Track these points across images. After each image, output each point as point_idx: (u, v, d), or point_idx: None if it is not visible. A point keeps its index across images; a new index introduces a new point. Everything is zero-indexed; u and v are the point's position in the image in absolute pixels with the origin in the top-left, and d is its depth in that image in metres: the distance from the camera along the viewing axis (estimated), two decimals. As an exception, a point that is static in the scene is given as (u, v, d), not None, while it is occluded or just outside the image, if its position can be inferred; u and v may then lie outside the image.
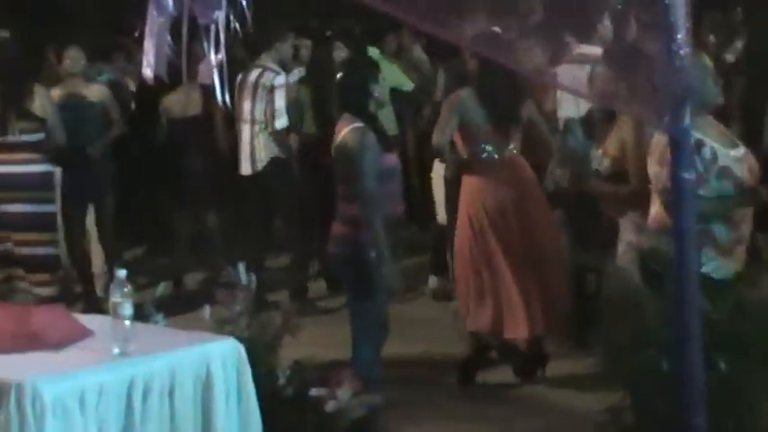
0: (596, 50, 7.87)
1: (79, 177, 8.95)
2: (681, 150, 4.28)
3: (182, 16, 5.29)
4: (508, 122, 7.22)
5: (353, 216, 6.18)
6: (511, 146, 7.24)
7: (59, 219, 8.76)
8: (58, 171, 8.75)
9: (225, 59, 5.27)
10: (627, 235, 6.40)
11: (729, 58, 10.75)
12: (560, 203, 7.49)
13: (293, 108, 9.37)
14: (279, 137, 9.19)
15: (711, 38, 10.89)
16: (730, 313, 4.81)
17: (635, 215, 6.24)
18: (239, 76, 9.12)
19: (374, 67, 6.76)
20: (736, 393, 4.73)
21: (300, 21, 10.78)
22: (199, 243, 9.89)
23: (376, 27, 10.37)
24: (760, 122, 9.98)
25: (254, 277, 5.64)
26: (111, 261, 8.96)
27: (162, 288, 7.25)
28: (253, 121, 9.18)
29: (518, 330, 7.19)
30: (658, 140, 5.30)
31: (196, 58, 7.59)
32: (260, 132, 9.16)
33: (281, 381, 5.38)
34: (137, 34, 5.71)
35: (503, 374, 7.41)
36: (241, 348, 4.73)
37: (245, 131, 9.23)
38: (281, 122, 9.15)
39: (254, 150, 9.19)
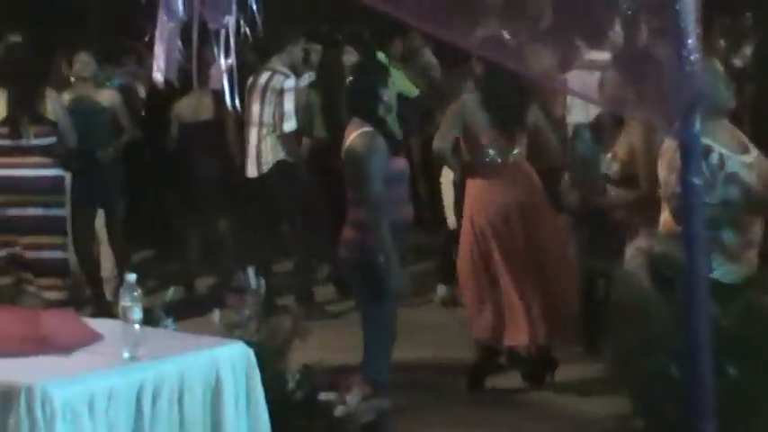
0: (606, 56, 7.88)
1: (88, 182, 8.97)
2: (690, 156, 4.26)
3: (192, 21, 5.28)
4: (512, 126, 7.16)
5: (362, 220, 6.16)
6: (516, 150, 7.18)
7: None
8: (68, 175, 8.77)
9: (235, 64, 5.27)
10: (638, 240, 6.39)
11: (738, 62, 10.74)
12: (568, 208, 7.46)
13: (303, 112, 9.36)
14: (287, 140, 9.16)
15: (721, 43, 10.90)
16: (740, 318, 4.81)
17: (645, 220, 6.23)
18: (249, 80, 9.10)
19: (384, 71, 6.75)
20: (746, 398, 4.72)
21: (311, 25, 10.78)
22: (209, 247, 9.89)
23: (383, 31, 10.36)
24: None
25: (263, 281, 5.65)
26: (121, 265, 8.98)
27: (172, 292, 7.23)
28: (261, 124, 9.15)
29: (518, 337, 7.15)
30: (668, 145, 5.28)
31: (207, 62, 7.58)
32: (267, 135, 9.13)
33: (291, 385, 5.39)
34: (147, 39, 5.71)
35: (511, 380, 7.40)
36: (250, 353, 4.72)
37: (253, 134, 9.20)
38: (290, 125, 9.12)
39: (261, 153, 9.16)
